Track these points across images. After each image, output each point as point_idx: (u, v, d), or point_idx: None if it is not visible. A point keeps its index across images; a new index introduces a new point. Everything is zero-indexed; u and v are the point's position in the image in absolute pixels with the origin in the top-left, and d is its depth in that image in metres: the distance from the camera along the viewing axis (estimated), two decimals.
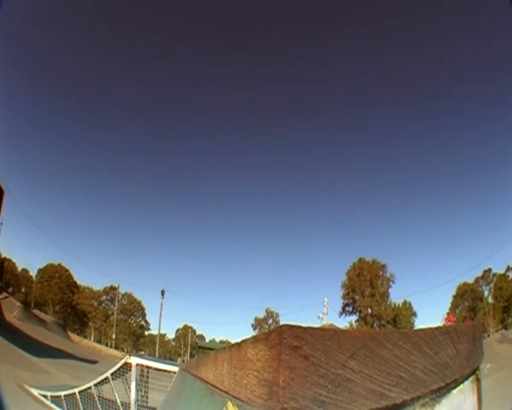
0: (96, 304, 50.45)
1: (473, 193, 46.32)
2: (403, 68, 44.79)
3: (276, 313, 50.20)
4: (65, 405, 8.89)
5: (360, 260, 42.68)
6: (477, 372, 1.22)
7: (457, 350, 1.08)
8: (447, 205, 49.52)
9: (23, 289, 42.07)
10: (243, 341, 1.06)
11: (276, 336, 0.79)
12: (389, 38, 50.10)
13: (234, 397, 1.06)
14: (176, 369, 6.16)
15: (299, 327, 0.77)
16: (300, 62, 48.52)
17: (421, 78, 45.80)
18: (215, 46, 50.67)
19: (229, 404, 1.08)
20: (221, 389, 1.30)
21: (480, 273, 38.49)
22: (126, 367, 8.19)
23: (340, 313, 43.25)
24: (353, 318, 43.29)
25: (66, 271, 47.15)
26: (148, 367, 8.14)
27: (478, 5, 33.04)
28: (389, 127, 49.89)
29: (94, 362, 22.55)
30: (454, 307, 40.43)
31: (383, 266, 42.07)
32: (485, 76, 38.88)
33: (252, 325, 49.79)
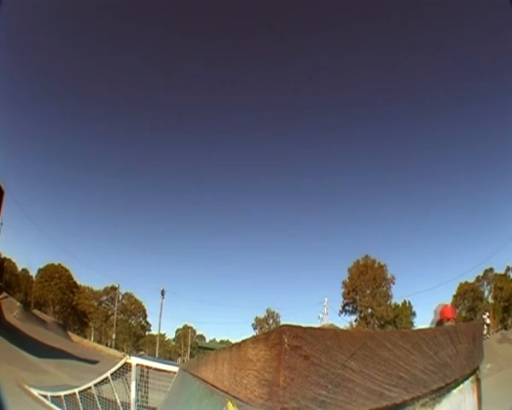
0: (96, 304, 50.44)
1: (473, 192, 46.33)
2: (403, 66, 44.81)
3: (277, 313, 50.21)
4: (65, 405, 8.88)
5: (366, 257, 42.56)
6: (477, 372, 1.22)
7: (457, 350, 1.08)
8: (447, 204, 49.53)
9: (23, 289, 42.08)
10: (243, 341, 1.06)
11: (276, 336, 0.79)
12: (389, 37, 50.12)
13: (234, 397, 1.06)
14: (176, 369, 6.15)
15: (300, 327, 0.77)
16: (300, 59, 48.50)
17: (421, 77, 45.84)
18: (214, 43, 50.65)
19: (229, 404, 1.08)
20: (221, 389, 1.30)
21: (481, 273, 38.53)
22: (126, 367, 8.19)
23: (340, 312, 43.20)
24: (353, 318, 43.24)
25: (67, 271, 47.16)
26: (148, 367, 8.13)
27: (478, 5, 33.07)
28: (392, 126, 49.87)
29: (94, 362, 22.55)
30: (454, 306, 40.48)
31: (383, 267, 42.01)
32: (485, 75, 38.92)
33: (252, 325, 49.82)
